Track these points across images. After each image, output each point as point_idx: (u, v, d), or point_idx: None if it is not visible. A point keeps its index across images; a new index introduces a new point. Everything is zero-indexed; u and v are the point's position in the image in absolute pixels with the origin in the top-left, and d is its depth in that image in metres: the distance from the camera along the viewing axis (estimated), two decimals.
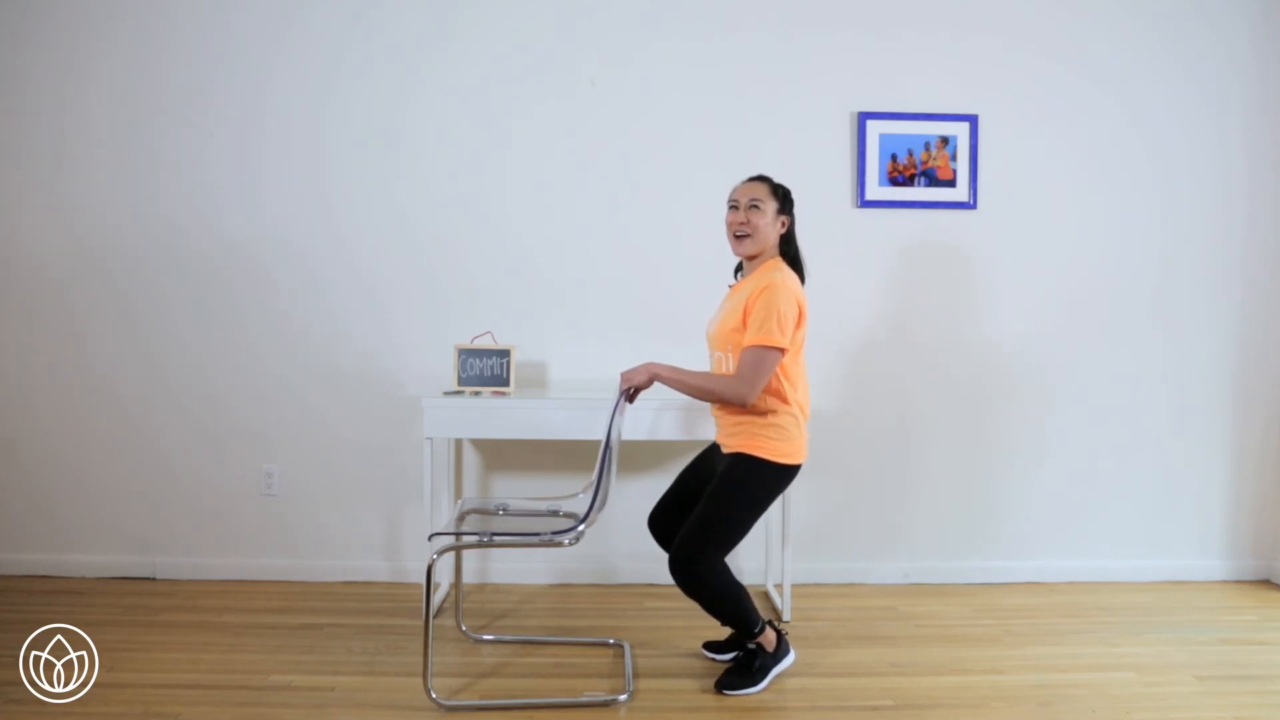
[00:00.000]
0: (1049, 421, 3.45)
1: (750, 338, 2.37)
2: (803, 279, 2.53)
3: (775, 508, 3.24)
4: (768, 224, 2.48)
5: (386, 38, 3.33)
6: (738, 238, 2.51)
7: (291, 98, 3.33)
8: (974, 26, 3.38)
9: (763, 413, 2.44)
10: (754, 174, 2.59)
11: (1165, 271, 3.46)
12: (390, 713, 2.31)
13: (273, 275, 3.35)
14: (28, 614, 2.93)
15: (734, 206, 2.52)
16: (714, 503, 2.42)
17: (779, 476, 2.46)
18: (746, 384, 2.36)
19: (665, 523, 2.64)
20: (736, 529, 2.43)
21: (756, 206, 2.48)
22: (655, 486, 3.36)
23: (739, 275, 2.63)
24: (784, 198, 2.53)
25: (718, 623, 2.87)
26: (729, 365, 2.47)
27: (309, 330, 3.37)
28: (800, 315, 2.42)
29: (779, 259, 2.51)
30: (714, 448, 2.65)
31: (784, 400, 2.44)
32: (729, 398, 2.39)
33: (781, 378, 2.43)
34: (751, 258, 2.53)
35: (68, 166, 3.32)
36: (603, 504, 2.39)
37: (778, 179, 2.56)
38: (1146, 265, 3.45)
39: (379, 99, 3.33)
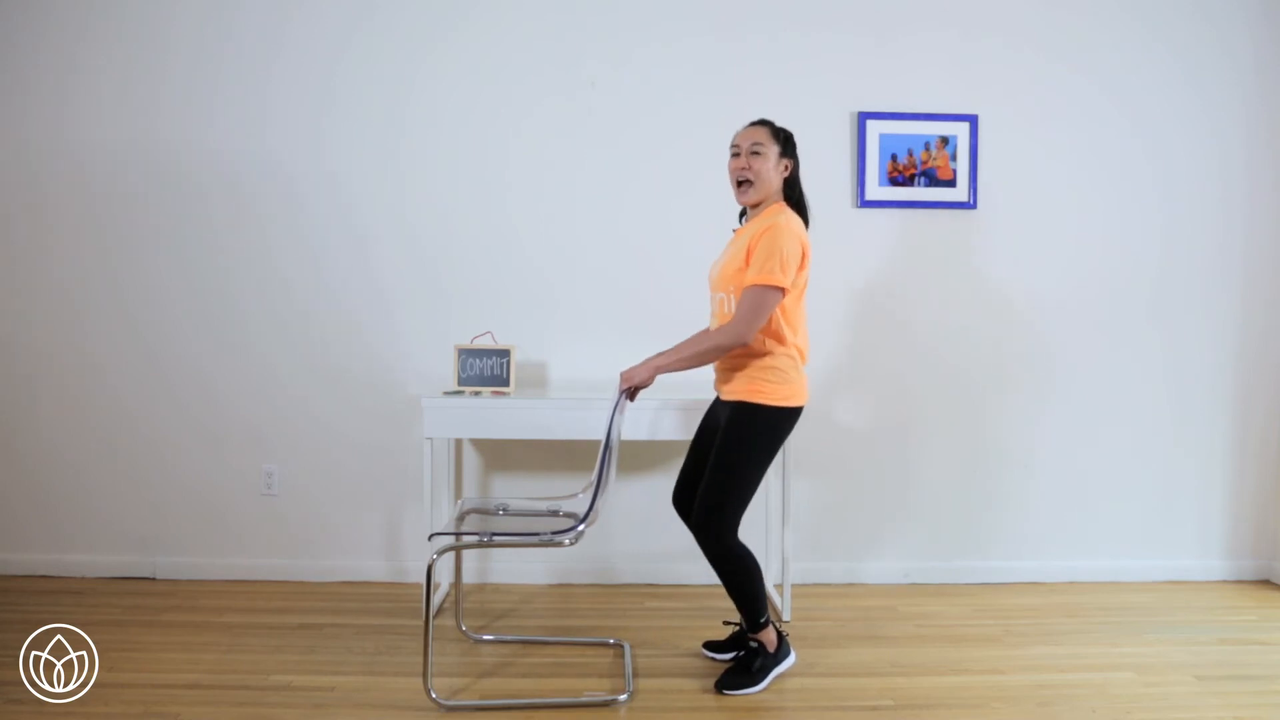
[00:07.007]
0: (1049, 421, 3.45)
1: (751, 277, 2.35)
2: (807, 223, 2.51)
3: (776, 508, 3.24)
4: (770, 169, 2.46)
5: (389, 37, 3.32)
6: (740, 184, 2.49)
7: (292, 97, 3.33)
8: (974, 26, 3.38)
9: (760, 354, 2.42)
10: (755, 118, 2.56)
11: (1165, 271, 3.46)
12: (390, 713, 2.31)
13: (273, 275, 3.35)
14: (28, 614, 2.93)
15: (735, 153, 2.50)
16: (723, 457, 2.41)
17: (782, 420, 2.44)
18: (744, 323, 2.34)
19: (688, 498, 2.60)
20: (749, 480, 2.42)
21: (758, 152, 2.46)
22: (655, 486, 3.37)
23: (744, 220, 2.61)
24: (785, 141, 2.51)
25: (718, 622, 2.88)
26: (731, 306, 2.44)
27: (309, 330, 3.36)
28: (804, 257, 2.40)
29: (783, 203, 2.49)
30: (715, 403, 2.62)
31: (782, 342, 2.42)
32: (729, 344, 2.37)
33: (781, 319, 2.41)
34: (755, 205, 2.51)
35: (67, 170, 3.32)
36: (603, 504, 2.39)
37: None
38: (1146, 265, 3.45)
39: (380, 97, 3.33)
